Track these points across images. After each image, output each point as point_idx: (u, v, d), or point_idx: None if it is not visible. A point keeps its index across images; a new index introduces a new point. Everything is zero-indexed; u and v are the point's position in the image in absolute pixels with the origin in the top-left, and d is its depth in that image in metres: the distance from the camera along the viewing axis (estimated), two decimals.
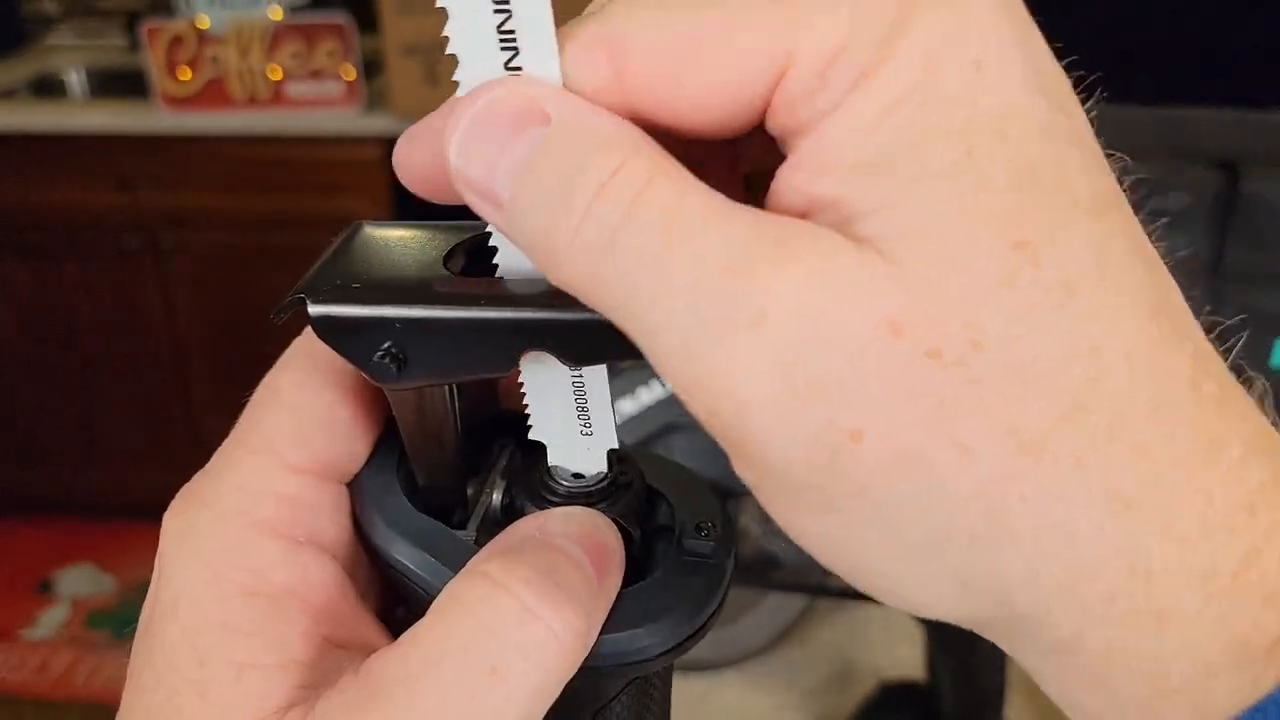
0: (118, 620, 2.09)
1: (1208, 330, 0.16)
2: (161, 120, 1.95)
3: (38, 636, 2.07)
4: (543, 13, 0.16)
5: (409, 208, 0.20)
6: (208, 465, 0.21)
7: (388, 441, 0.22)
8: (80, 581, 2.20)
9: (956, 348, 0.14)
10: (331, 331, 0.19)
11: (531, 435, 0.22)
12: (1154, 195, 0.73)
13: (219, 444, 0.22)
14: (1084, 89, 0.17)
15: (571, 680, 0.19)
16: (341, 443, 0.21)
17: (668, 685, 0.24)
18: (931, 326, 0.14)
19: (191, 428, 2.14)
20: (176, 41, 1.90)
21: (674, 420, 0.63)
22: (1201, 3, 1.80)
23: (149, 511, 0.27)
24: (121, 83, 2.19)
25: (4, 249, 2.09)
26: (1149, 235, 0.16)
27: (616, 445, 0.22)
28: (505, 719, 0.18)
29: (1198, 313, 0.17)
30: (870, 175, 0.15)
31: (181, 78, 1.92)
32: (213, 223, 2.02)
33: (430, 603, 0.19)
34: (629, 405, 0.63)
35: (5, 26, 2.39)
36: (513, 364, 0.19)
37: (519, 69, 0.17)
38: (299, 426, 0.21)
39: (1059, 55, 0.17)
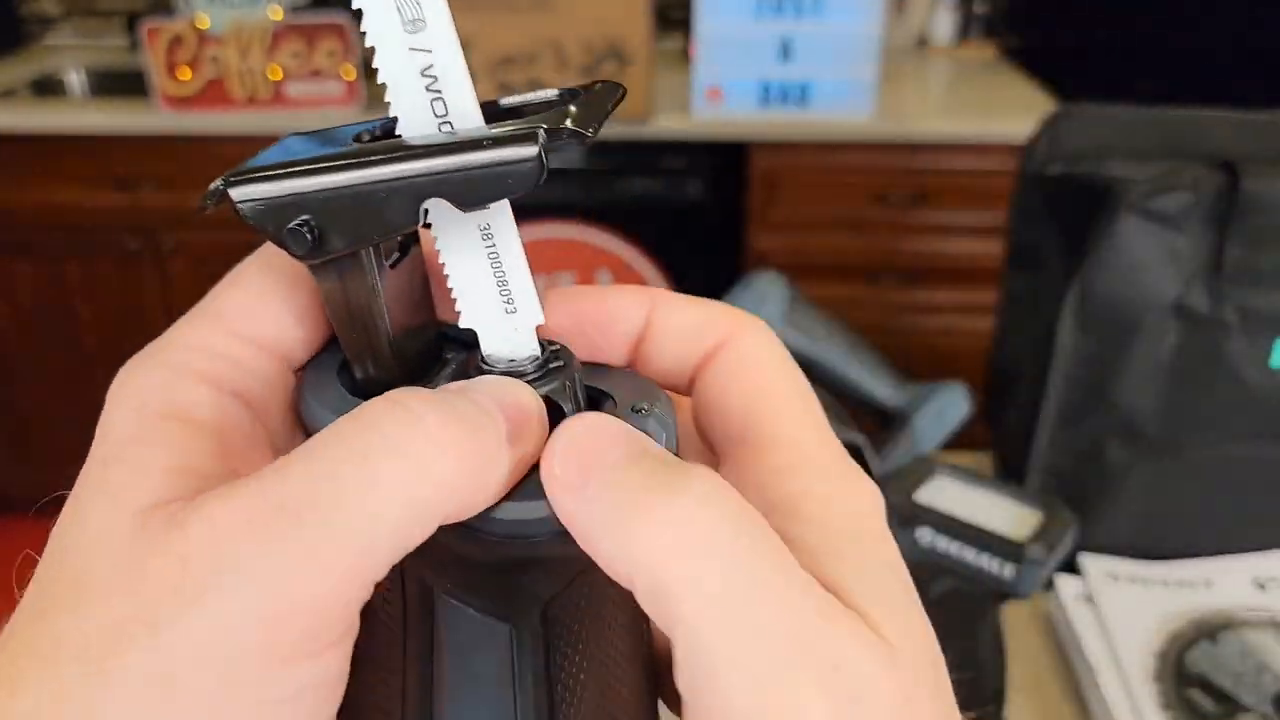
0: None
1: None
2: (161, 120, 1.95)
3: None
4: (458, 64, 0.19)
5: None
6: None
7: (332, 349, 0.23)
8: None
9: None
10: (253, 214, 0.20)
11: (462, 323, 0.23)
12: (1154, 195, 0.73)
13: None
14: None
15: (513, 556, 0.20)
16: (291, 326, 0.22)
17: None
18: (918, 694, 0.19)
19: None
20: (176, 41, 1.90)
21: None
22: (1202, 3, 1.80)
23: None
24: (121, 83, 2.19)
25: (4, 249, 2.10)
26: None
27: (542, 320, 0.22)
28: (371, 510, 0.18)
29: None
30: (860, 569, 0.20)
31: (181, 78, 1.93)
32: (213, 223, 2.01)
33: None
34: None
35: (5, 26, 2.40)
36: (416, 216, 0.20)
37: (442, 96, 0.20)
38: (252, 303, 0.22)
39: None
